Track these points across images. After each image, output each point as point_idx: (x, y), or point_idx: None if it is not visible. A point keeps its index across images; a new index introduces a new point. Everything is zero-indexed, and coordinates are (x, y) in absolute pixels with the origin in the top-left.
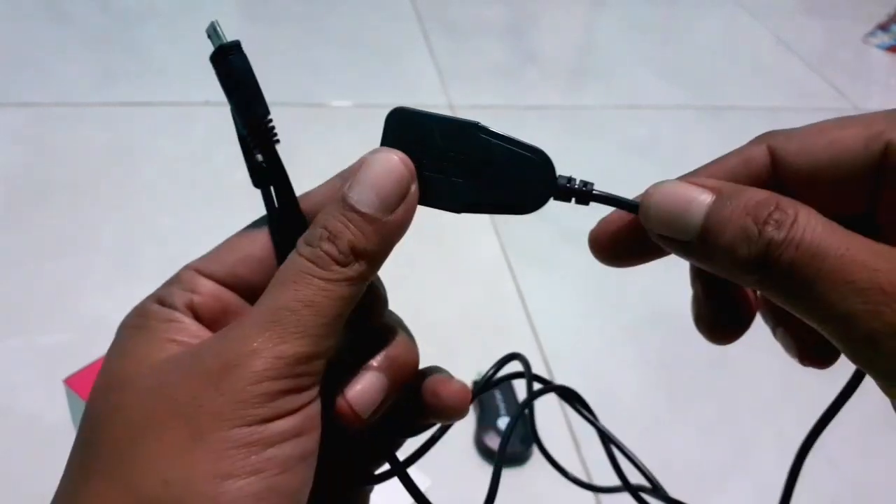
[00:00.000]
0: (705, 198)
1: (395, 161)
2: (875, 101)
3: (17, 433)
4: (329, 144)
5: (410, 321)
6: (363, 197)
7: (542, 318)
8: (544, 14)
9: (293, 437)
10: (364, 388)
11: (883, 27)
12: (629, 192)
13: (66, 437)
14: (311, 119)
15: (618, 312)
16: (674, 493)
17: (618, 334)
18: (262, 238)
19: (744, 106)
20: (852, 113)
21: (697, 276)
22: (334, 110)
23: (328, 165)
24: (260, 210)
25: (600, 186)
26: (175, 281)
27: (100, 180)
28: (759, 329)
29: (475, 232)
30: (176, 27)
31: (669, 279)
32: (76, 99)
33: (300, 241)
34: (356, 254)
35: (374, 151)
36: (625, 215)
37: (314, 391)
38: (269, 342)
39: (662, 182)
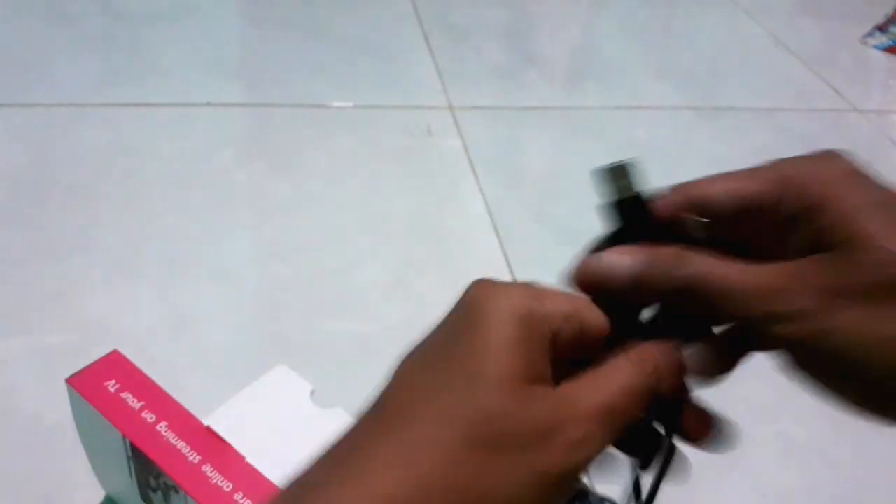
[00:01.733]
0: None
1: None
2: (873, 102)
3: (19, 433)
4: (329, 144)
5: (410, 321)
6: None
7: None
8: (544, 15)
9: None
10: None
11: (881, 28)
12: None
13: (68, 436)
14: (311, 119)
15: None
16: (674, 493)
17: None
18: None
19: (742, 107)
20: (850, 113)
21: None
22: (335, 111)
23: (328, 165)
24: (262, 212)
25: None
26: (551, 297)
27: (101, 180)
28: None
29: (475, 232)
30: (178, 28)
31: None
32: (78, 99)
33: (637, 357)
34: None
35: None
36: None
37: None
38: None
39: None
